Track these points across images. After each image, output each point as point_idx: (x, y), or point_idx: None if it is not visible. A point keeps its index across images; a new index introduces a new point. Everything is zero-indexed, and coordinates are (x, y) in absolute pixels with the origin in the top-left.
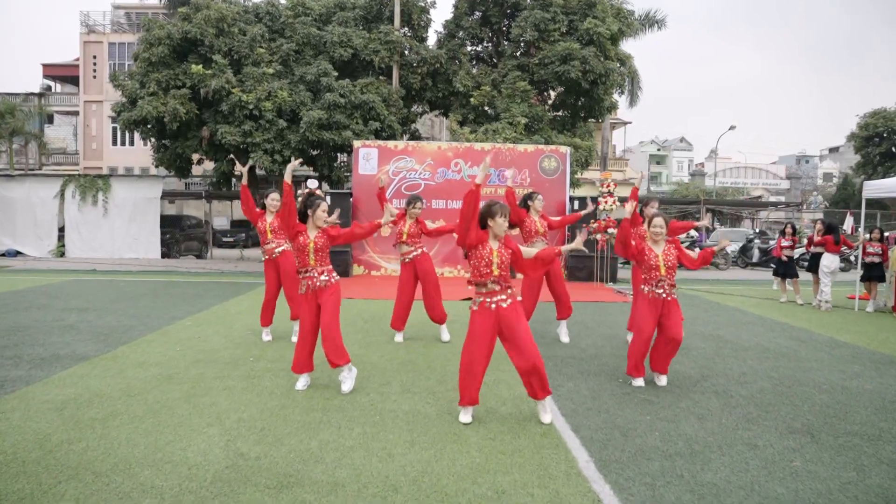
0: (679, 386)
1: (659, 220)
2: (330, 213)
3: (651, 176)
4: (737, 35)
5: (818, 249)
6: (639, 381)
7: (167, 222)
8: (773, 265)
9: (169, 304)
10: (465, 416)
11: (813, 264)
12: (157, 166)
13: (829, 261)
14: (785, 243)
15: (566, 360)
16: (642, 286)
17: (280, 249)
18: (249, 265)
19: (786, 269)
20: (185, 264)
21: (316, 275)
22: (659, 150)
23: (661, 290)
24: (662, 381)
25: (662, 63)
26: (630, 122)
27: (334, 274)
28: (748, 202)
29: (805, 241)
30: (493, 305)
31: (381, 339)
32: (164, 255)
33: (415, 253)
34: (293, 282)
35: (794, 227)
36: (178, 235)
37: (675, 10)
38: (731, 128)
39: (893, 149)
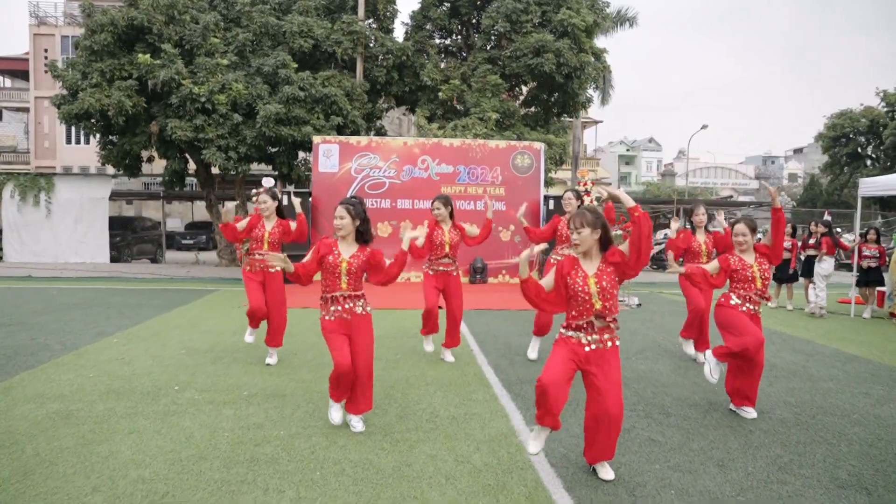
0: (685, 418)
1: (741, 227)
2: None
3: (620, 176)
4: (704, 37)
5: (812, 252)
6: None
7: (119, 224)
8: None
9: (101, 317)
10: (536, 444)
11: (806, 268)
12: (103, 164)
13: (827, 264)
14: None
15: None
16: (735, 299)
17: (274, 270)
18: (203, 270)
19: (783, 273)
20: (134, 269)
21: (353, 300)
22: (628, 150)
23: (752, 306)
24: (752, 413)
25: (629, 63)
26: (601, 122)
27: (366, 303)
28: (720, 202)
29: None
30: (593, 346)
31: None
32: (114, 260)
33: (452, 268)
34: (282, 307)
35: (794, 228)
36: (131, 238)
37: (641, 10)
38: (704, 127)
39: (859, 149)
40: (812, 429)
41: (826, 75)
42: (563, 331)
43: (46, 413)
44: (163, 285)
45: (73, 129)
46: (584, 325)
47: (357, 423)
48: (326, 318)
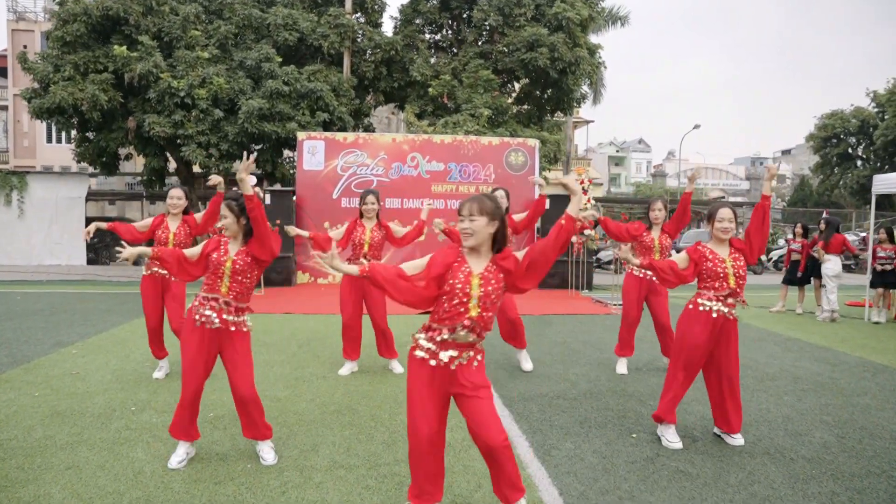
0: (714, 442)
1: (727, 212)
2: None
3: (610, 178)
4: (696, 34)
5: (820, 250)
6: (670, 433)
7: None
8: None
9: (62, 324)
10: None
11: (814, 269)
12: (78, 161)
13: (833, 264)
14: (794, 246)
15: (554, 402)
16: (700, 300)
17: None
18: None
19: (794, 276)
20: (111, 272)
21: (232, 311)
22: (618, 151)
23: (727, 308)
24: (738, 440)
25: (620, 63)
26: (592, 121)
27: (247, 318)
28: (711, 203)
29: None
30: (454, 366)
31: (318, 371)
32: (91, 262)
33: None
34: (181, 311)
35: (805, 228)
36: (109, 239)
37: (633, 9)
38: (696, 126)
39: (850, 150)
40: (863, 456)
41: (817, 75)
42: (417, 336)
43: None
44: (138, 289)
45: (53, 127)
46: (452, 333)
47: (268, 453)
48: (193, 320)
